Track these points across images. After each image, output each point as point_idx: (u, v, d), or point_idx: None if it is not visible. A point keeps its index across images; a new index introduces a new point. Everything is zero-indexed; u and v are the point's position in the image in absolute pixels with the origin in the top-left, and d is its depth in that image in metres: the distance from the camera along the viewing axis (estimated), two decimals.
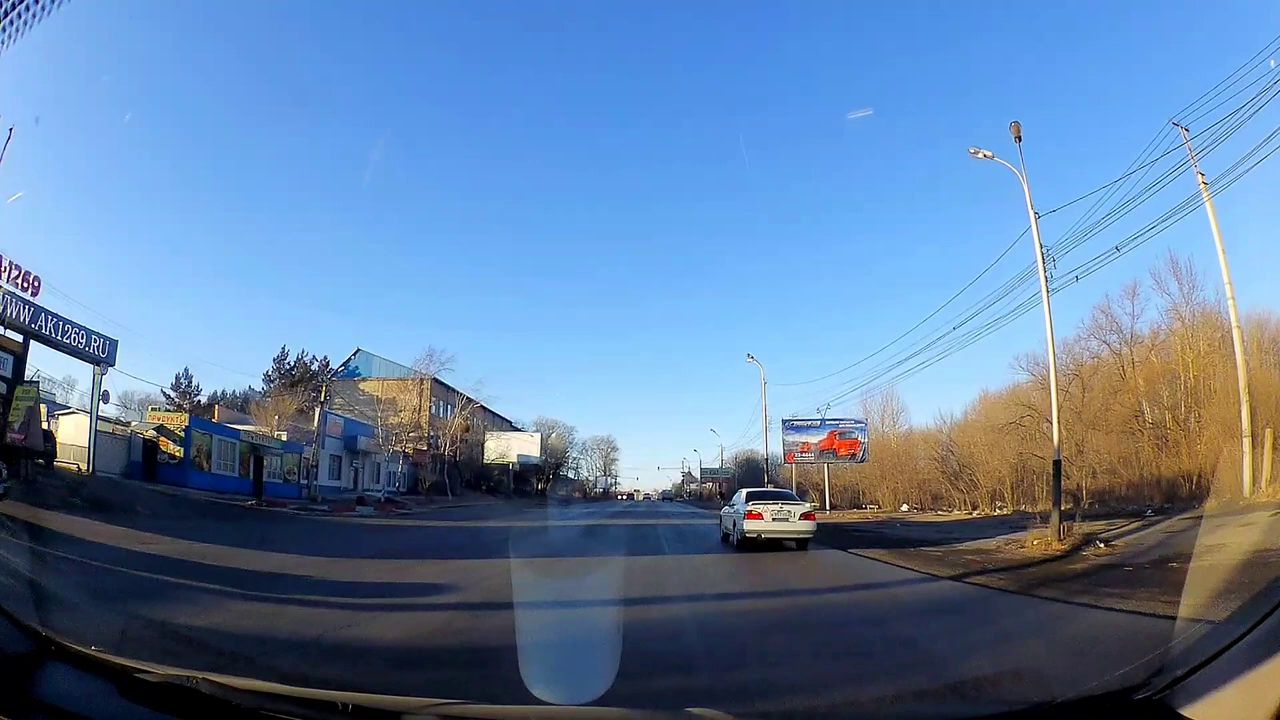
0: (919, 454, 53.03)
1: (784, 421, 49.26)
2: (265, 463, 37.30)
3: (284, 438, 40.38)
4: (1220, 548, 11.15)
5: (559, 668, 3.75)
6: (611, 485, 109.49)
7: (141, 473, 31.96)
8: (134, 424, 35.52)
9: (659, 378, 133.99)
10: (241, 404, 56.69)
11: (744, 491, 18.91)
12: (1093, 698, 2.29)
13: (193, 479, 32.24)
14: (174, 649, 5.00)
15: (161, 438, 33.24)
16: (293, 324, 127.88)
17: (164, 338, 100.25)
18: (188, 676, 2.38)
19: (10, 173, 41.56)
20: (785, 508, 17.05)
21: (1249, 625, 1.88)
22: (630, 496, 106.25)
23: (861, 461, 50.03)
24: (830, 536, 21.00)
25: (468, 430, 63.83)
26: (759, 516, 16.63)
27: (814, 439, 48.45)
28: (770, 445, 50.04)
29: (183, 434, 33.08)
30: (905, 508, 47.78)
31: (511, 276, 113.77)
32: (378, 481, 54.80)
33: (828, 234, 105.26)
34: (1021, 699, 3.07)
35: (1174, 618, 5.06)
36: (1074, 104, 77.49)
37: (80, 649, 2.56)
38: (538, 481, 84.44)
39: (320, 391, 41.85)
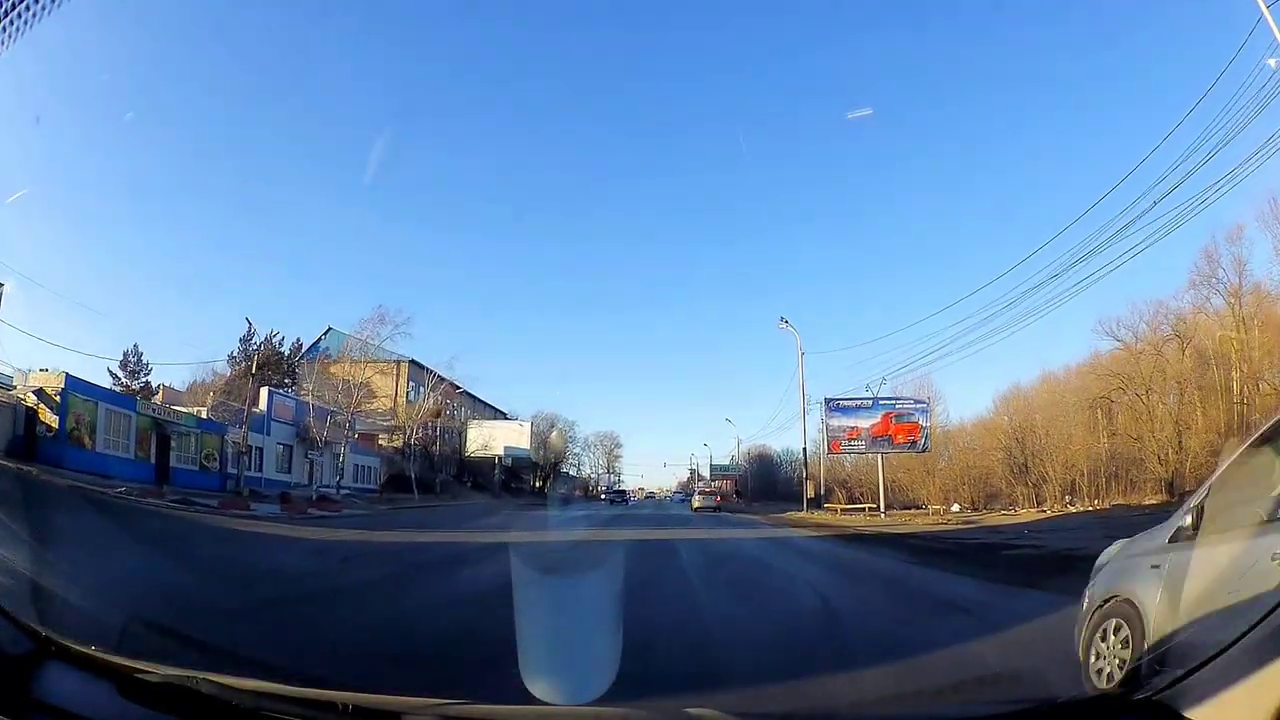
0: (973, 445, 46.81)
1: (827, 401, 42.09)
2: (173, 444, 31.28)
3: (203, 414, 34.32)
4: None
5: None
6: (615, 483, 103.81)
7: (23, 449, 26.43)
8: (18, 388, 29.50)
9: (667, 371, 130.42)
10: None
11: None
12: (1093, 698, 2.52)
13: (71, 458, 26.39)
14: (174, 649, 4.68)
15: (41, 405, 27.39)
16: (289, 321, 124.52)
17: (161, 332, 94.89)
18: (188, 676, 2.41)
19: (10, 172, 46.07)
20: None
21: (1249, 625, 1.93)
22: (620, 496, 79.58)
23: (923, 450, 42.65)
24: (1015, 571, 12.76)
25: (439, 415, 57.47)
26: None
27: (865, 423, 41.15)
28: (807, 432, 43.52)
29: (59, 398, 26.99)
30: (956, 508, 41.38)
31: (512, 274, 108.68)
32: (340, 476, 48.86)
33: (852, 214, 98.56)
34: (1022, 699, 2.93)
35: None
36: None
37: (80, 649, 2.57)
38: (534, 478, 78.61)
39: (251, 361, 35.30)
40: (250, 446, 36.43)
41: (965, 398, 71.53)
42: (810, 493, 44.52)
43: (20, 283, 30.61)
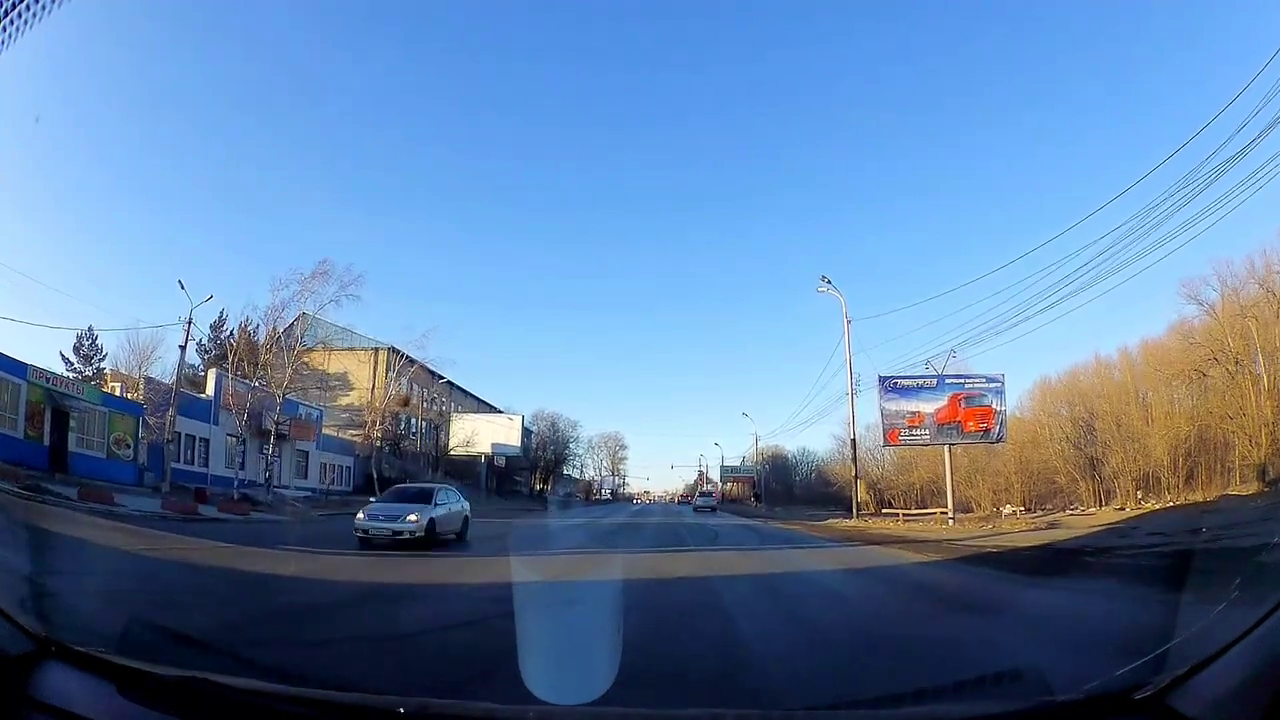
0: (1030, 436, 41.76)
1: (882, 380, 35.09)
2: (73, 423, 26.70)
3: (116, 391, 29.72)
4: None
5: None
6: (619, 486, 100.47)
7: None
8: None
9: (674, 369, 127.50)
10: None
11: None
12: (1094, 697, 2.36)
13: None
14: (175, 649, 4.67)
15: None
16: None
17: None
18: (189, 676, 2.45)
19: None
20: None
21: (1251, 624, 1.94)
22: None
23: (997, 440, 35.64)
24: None
25: (407, 404, 52.57)
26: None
27: (928, 406, 34.04)
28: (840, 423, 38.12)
29: None
30: (1009, 509, 36.27)
31: (518, 273, 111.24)
32: (304, 476, 44.15)
33: (878, 200, 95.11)
34: (1023, 698, 2.94)
35: None
36: None
37: (80, 649, 2.58)
38: (533, 479, 74.13)
39: (186, 327, 30.14)
40: (181, 434, 31.95)
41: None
42: (862, 494, 38.51)
43: None
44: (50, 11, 3.97)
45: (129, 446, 29.46)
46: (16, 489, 17.75)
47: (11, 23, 3.85)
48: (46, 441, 25.91)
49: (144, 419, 30.06)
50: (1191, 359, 32.17)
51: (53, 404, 26.26)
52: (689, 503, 73.71)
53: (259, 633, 7.17)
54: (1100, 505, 34.03)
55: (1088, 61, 77.80)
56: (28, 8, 3.84)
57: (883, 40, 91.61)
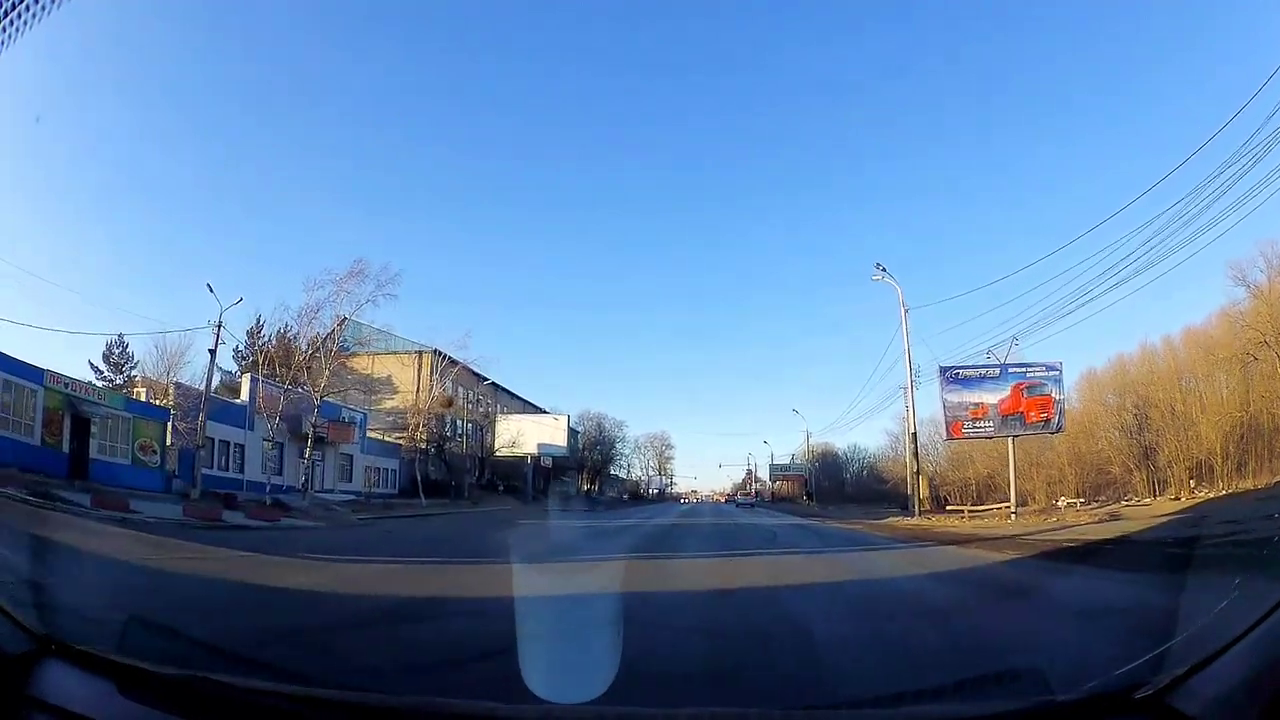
0: (1081, 427, 39.57)
1: (943, 371, 33.60)
2: (94, 429, 26.80)
3: (141, 396, 29.71)
4: None
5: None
6: (667, 485, 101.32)
7: None
8: None
9: (723, 369, 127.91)
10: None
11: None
12: (1094, 696, 2.36)
13: None
14: (175, 648, 4.37)
15: None
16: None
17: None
18: (189, 676, 2.45)
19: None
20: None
21: (1252, 622, 1.94)
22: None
23: (1057, 430, 34.06)
24: None
25: (450, 405, 52.01)
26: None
27: (991, 398, 32.48)
28: (910, 411, 36.48)
29: None
30: (1064, 501, 34.13)
31: (566, 276, 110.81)
32: (349, 480, 43.85)
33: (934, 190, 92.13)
34: (1023, 697, 2.93)
35: None
36: None
37: (81, 648, 2.58)
38: (582, 479, 73.55)
39: (216, 331, 29.81)
40: (215, 440, 31.96)
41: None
42: (924, 490, 36.35)
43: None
44: (50, 11, 4.09)
45: (155, 453, 29.49)
46: (24, 494, 17.66)
47: (11, 23, 3.97)
48: (66, 448, 25.85)
49: (174, 425, 30.28)
50: (1240, 343, 30.88)
51: (72, 410, 26.17)
52: (735, 501, 73.98)
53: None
54: (1154, 495, 32.93)
55: (1090, 60, 75.10)
56: (27, 8, 3.95)
57: (884, 40, 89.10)
